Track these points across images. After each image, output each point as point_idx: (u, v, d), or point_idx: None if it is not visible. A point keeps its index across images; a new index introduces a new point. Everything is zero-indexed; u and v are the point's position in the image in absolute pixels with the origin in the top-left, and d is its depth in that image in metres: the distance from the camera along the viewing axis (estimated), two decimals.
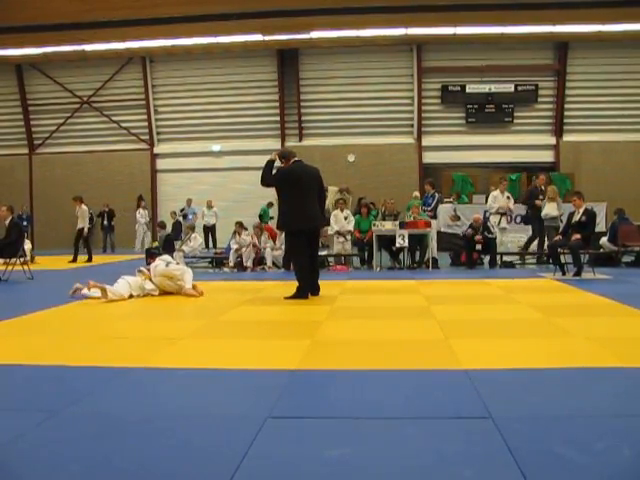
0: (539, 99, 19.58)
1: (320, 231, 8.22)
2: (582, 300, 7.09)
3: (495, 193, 13.04)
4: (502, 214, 12.70)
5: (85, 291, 7.60)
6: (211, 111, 20.43)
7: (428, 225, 11.53)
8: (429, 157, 20.13)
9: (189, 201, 19.18)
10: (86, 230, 14.53)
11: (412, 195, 14.72)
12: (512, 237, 13.87)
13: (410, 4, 15.81)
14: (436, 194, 13.82)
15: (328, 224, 12.14)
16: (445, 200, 15.09)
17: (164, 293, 7.83)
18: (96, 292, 7.42)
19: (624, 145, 19.20)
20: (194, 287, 7.80)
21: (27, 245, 13.79)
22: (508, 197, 12.93)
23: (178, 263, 8.67)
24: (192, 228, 14.17)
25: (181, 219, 18.19)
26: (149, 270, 7.95)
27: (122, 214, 19.78)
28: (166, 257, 8.38)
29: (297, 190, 7.27)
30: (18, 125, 21.40)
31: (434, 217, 12.96)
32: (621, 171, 18.88)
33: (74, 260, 14.07)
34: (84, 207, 14.62)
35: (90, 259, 14.35)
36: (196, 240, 13.47)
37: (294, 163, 7.49)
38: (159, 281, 7.80)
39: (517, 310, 6.38)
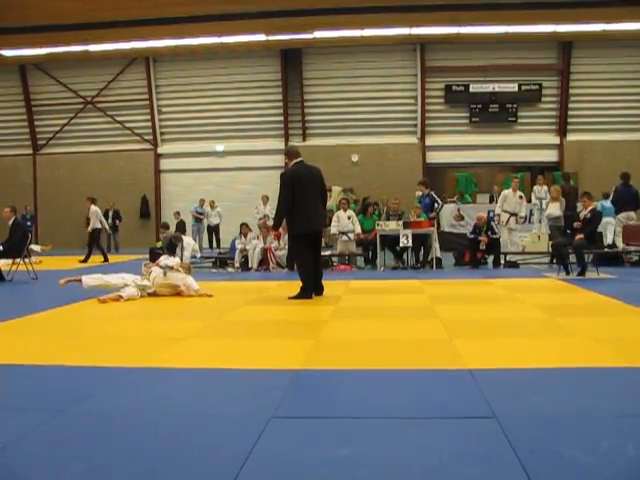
0: (543, 98, 19.54)
1: (323, 231, 8.23)
2: (586, 300, 7.07)
3: (506, 192, 12.73)
4: (512, 214, 12.51)
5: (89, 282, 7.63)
6: (214, 111, 20.44)
7: (431, 225, 11.50)
8: (433, 157, 20.10)
9: (202, 201, 18.50)
10: (89, 230, 14.52)
11: (415, 195, 14.64)
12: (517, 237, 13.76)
13: (414, 4, 15.81)
14: (432, 194, 12.38)
15: (331, 224, 12.11)
16: (448, 200, 14.90)
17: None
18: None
19: (628, 144, 19.11)
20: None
21: (36, 247, 13.95)
22: (521, 197, 12.60)
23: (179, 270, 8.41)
24: (178, 237, 12.35)
25: (192, 221, 17.67)
26: (152, 267, 7.98)
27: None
28: (168, 259, 8.31)
29: (301, 192, 7.25)
30: (22, 125, 21.46)
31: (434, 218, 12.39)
32: (625, 171, 18.77)
33: (85, 260, 14.05)
34: (93, 208, 14.71)
35: (105, 259, 14.30)
36: (187, 248, 11.90)
37: (296, 164, 7.48)
38: (157, 290, 7.80)
39: (521, 310, 6.37)
